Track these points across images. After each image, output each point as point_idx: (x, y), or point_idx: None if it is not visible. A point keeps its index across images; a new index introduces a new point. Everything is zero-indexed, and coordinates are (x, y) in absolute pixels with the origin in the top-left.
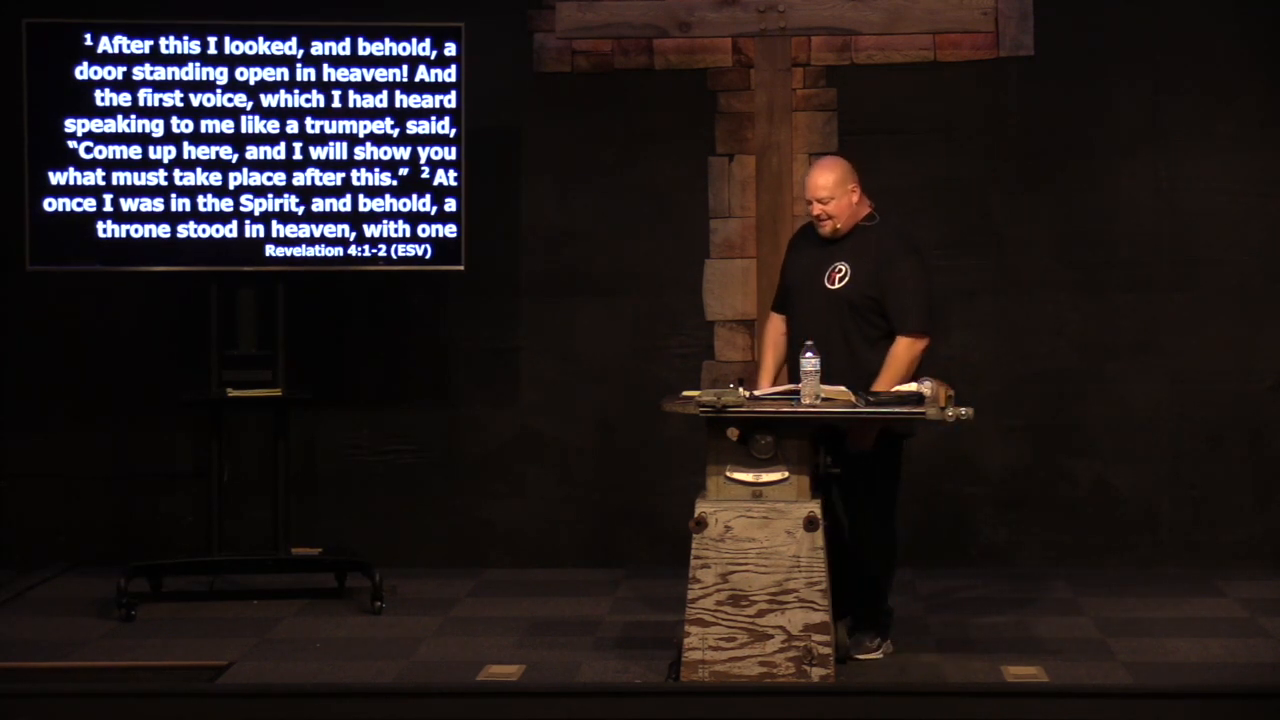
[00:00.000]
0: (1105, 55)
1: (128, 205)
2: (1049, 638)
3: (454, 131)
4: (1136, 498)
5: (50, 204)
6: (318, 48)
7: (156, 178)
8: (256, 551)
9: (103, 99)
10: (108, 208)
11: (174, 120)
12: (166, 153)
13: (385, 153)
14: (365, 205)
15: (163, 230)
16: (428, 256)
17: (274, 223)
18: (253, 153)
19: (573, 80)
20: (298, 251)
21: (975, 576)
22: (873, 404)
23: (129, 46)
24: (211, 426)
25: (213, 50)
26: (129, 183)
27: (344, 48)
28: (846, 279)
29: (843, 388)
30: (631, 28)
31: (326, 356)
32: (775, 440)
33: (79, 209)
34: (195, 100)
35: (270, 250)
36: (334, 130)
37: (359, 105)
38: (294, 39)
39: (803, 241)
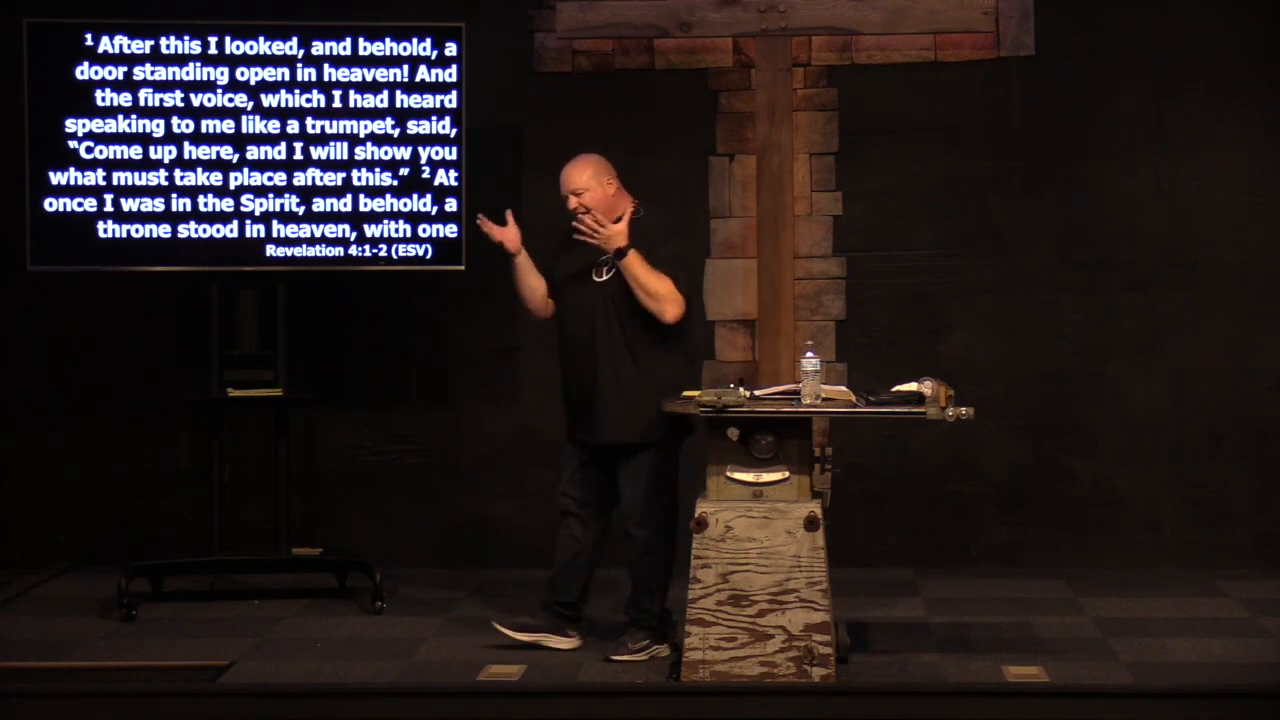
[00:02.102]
0: (1106, 55)
1: (128, 205)
2: (1049, 638)
3: (455, 131)
4: (1137, 498)
5: (51, 204)
6: (318, 48)
7: (157, 178)
8: (257, 551)
9: (103, 99)
10: (108, 208)
11: (175, 120)
12: (167, 153)
13: (386, 153)
14: (366, 205)
15: (163, 230)
16: (428, 256)
17: (274, 223)
18: (253, 153)
19: (573, 80)
20: (298, 251)
21: (975, 576)
22: (874, 403)
23: (129, 46)
24: (212, 426)
25: (213, 50)
26: (130, 183)
27: (345, 48)
28: (614, 270)
29: (843, 387)
30: (632, 27)
31: (327, 356)
32: (775, 440)
33: (79, 209)
34: (196, 100)
35: (271, 250)
36: (335, 130)
37: (360, 105)
38: (295, 39)
39: (565, 243)
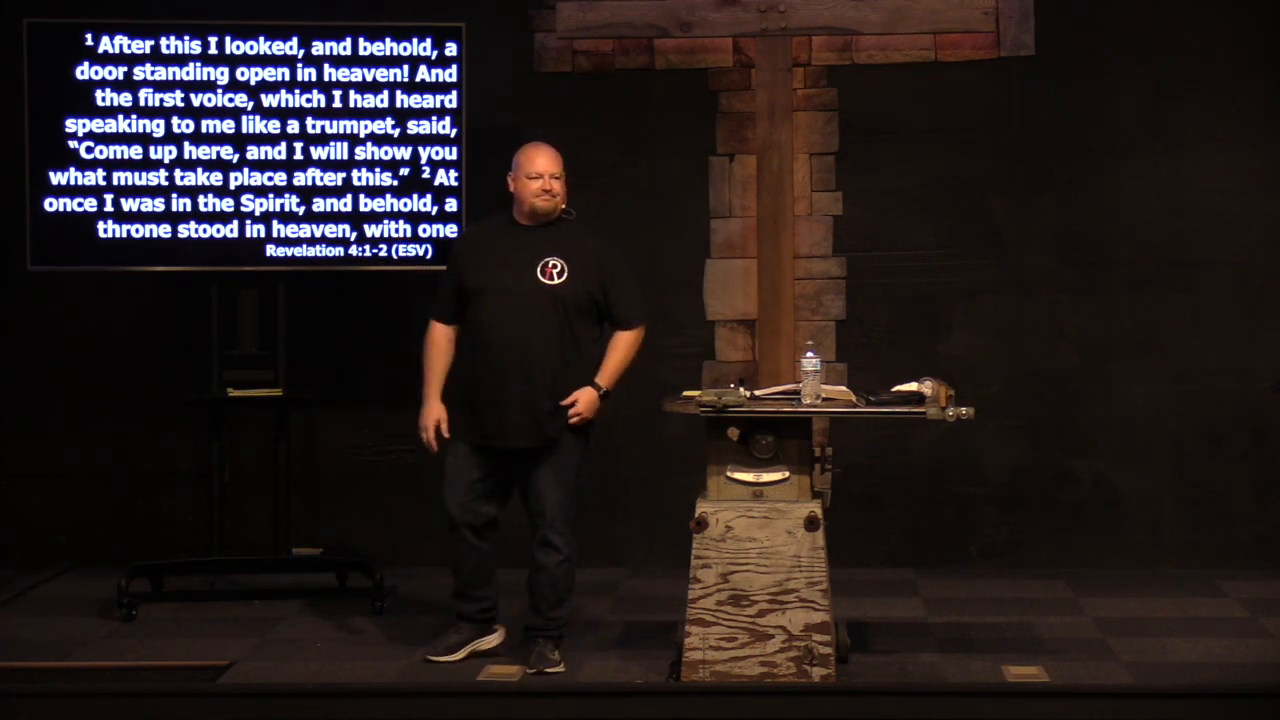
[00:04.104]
0: (1105, 55)
1: (128, 205)
2: (1049, 638)
3: (455, 131)
4: (1137, 497)
5: (51, 204)
6: (318, 48)
7: (157, 178)
8: (257, 551)
9: (103, 99)
10: (108, 208)
11: (175, 120)
12: (167, 153)
13: (386, 153)
14: (366, 205)
15: (163, 230)
16: (429, 256)
17: (275, 223)
18: (254, 153)
19: (573, 80)
20: (298, 251)
21: (975, 576)
22: (874, 403)
23: (130, 46)
24: (212, 426)
25: (213, 50)
26: (130, 183)
27: (345, 48)
28: (566, 275)
29: (843, 387)
30: (632, 27)
31: (327, 356)
32: (775, 440)
33: (80, 209)
34: (196, 100)
35: (271, 250)
36: (335, 130)
37: (360, 105)
38: (295, 39)
39: (488, 239)
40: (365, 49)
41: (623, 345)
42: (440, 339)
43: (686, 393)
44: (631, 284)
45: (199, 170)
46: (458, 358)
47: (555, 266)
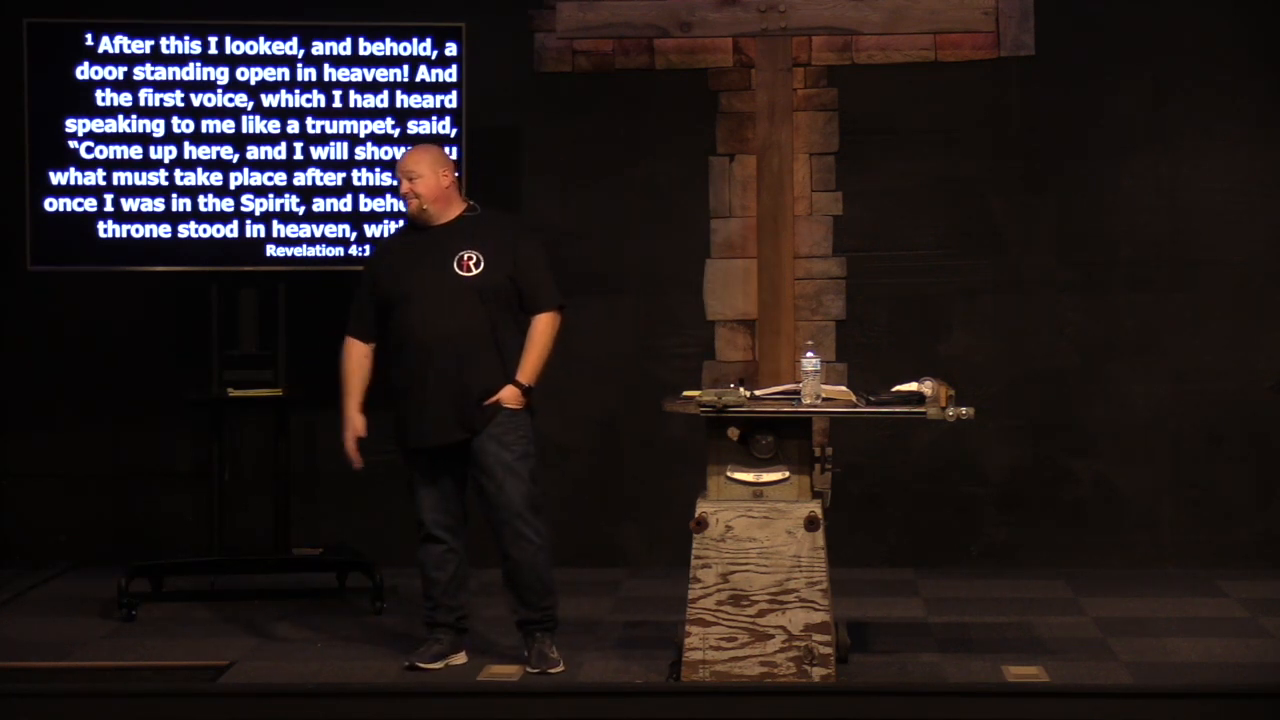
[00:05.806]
0: (1105, 55)
1: (128, 205)
2: (1049, 638)
3: (455, 131)
4: (1137, 498)
5: (51, 204)
6: (318, 48)
7: (157, 178)
8: (257, 551)
9: (104, 99)
10: (108, 208)
11: (175, 120)
12: (167, 153)
13: (386, 152)
14: (366, 205)
15: (163, 230)
16: None
17: (275, 223)
18: (253, 153)
19: (573, 80)
20: (298, 251)
21: (975, 576)
22: (874, 403)
23: (130, 46)
24: (212, 426)
25: (213, 50)
26: (130, 183)
27: (345, 48)
28: (483, 265)
29: (843, 387)
30: (632, 27)
31: (327, 356)
32: (775, 440)
33: (80, 209)
34: (196, 100)
35: (271, 250)
36: (335, 130)
37: (360, 105)
38: (295, 39)
39: (398, 246)
40: (365, 49)
41: (539, 336)
42: (355, 354)
43: (686, 393)
44: (545, 269)
45: (199, 170)
46: (387, 369)
47: (471, 258)
